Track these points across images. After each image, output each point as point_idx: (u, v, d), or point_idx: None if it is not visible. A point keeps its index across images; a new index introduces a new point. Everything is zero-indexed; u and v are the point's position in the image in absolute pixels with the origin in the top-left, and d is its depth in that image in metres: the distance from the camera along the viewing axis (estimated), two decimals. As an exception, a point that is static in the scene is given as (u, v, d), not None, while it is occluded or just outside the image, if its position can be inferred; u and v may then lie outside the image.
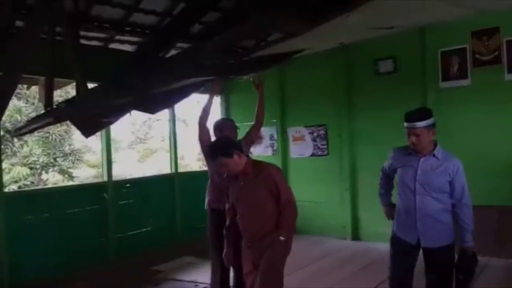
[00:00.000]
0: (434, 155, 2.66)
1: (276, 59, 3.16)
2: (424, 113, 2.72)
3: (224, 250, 2.88)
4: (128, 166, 13.69)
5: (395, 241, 2.81)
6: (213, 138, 3.60)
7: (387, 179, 3.04)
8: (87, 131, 4.19)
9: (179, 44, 5.31)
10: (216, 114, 7.47)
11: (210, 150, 2.85)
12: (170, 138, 6.44)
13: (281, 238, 2.58)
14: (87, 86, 3.55)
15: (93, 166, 11.70)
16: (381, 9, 2.48)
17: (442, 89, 5.09)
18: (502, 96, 4.62)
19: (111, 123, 4.19)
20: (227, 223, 2.88)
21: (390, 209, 3.02)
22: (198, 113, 3.64)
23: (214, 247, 3.44)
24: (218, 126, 3.68)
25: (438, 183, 2.62)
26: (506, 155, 4.61)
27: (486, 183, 4.69)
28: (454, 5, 3.05)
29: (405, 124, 2.67)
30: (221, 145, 2.78)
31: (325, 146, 6.23)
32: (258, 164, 2.75)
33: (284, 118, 6.67)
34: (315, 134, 6.33)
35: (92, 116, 3.89)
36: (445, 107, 5.04)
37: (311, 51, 4.81)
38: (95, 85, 4.36)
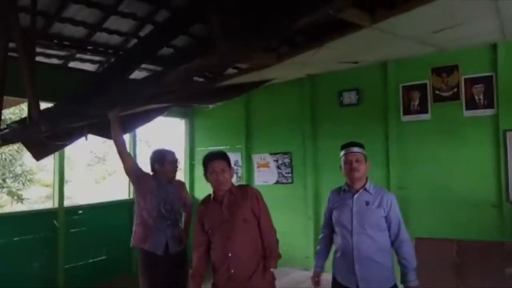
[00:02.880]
0: (366, 189, 2.65)
1: (241, 89, 3.09)
2: (360, 143, 2.76)
3: None
4: (84, 187, 13.10)
5: (336, 287, 2.71)
6: (146, 169, 3.37)
7: (328, 232, 2.86)
8: (39, 154, 3.93)
9: (144, 66, 5.19)
10: (180, 138, 7.31)
11: (217, 152, 2.71)
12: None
13: (272, 269, 2.54)
14: (39, 106, 3.32)
15: (47, 186, 11.08)
16: (348, 46, 2.49)
17: (404, 123, 5.21)
18: (461, 131, 4.77)
19: (64, 146, 3.95)
20: (194, 262, 2.67)
21: (319, 276, 2.87)
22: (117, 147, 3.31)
23: None
24: (157, 158, 3.36)
25: (374, 220, 2.59)
26: (464, 188, 4.72)
27: (445, 216, 4.80)
28: (418, 43, 3.13)
29: (343, 152, 2.70)
30: (223, 153, 2.73)
31: (290, 174, 6.19)
32: (240, 186, 2.74)
33: (249, 144, 6.60)
34: (280, 162, 6.29)
35: (45, 139, 3.65)
36: (406, 139, 5.18)
37: (278, 80, 4.82)
38: (50, 105, 4.13)
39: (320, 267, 2.87)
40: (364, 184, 2.67)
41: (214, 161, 2.61)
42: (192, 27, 2.97)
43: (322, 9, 1.54)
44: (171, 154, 3.38)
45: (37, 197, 11.12)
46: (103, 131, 3.28)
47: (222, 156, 2.67)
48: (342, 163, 2.71)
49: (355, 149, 2.67)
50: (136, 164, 3.37)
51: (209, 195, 2.71)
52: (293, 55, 2.40)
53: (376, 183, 2.76)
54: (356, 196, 2.65)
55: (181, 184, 3.52)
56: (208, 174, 2.63)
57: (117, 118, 3.18)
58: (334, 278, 2.73)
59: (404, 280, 2.59)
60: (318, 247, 2.91)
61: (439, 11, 2.18)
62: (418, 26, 2.49)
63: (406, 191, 5.12)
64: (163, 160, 3.29)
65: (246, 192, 2.63)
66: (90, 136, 3.72)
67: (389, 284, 2.58)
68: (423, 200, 5.00)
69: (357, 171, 2.61)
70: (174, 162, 3.36)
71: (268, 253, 2.58)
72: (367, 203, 2.61)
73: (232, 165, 2.74)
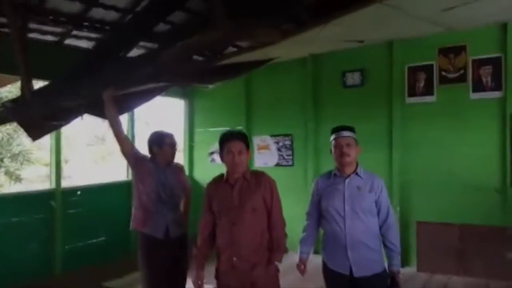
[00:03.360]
0: (357, 174, 2.62)
1: (243, 68, 2.96)
2: (351, 127, 2.69)
3: (195, 274, 2.54)
4: (83, 167, 13.03)
5: (329, 274, 2.64)
6: (144, 151, 3.24)
7: (316, 218, 2.78)
8: (34, 134, 3.82)
9: (141, 43, 5.04)
10: (180, 119, 7.19)
11: (235, 132, 2.58)
12: (128, 140, 6.05)
13: (277, 262, 2.45)
14: (31, 84, 3.19)
15: (46, 165, 10.98)
16: (355, 23, 2.35)
17: (408, 105, 5.09)
18: (467, 114, 4.66)
19: (61, 126, 3.84)
20: (198, 242, 2.59)
21: (305, 263, 2.75)
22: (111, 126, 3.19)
23: (147, 280, 3.12)
24: (155, 140, 3.20)
25: (366, 204, 2.56)
26: (468, 172, 4.65)
27: (448, 200, 4.74)
28: (427, 22, 2.99)
29: (333, 136, 2.64)
30: (243, 133, 2.60)
31: (291, 157, 6.10)
32: (255, 172, 2.60)
33: (249, 126, 6.48)
34: (280, 144, 6.19)
35: (40, 118, 3.54)
36: (410, 122, 5.07)
37: (280, 59, 4.67)
38: (45, 83, 4.01)
39: (306, 253, 2.78)
40: (355, 169, 2.63)
41: (232, 141, 2.47)
42: (189, 1, 2.81)
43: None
44: (170, 136, 3.23)
45: (36, 176, 11.06)
46: (100, 111, 3.15)
47: (240, 136, 2.53)
48: (332, 147, 2.66)
49: (346, 133, 2.62)
50: (133, 147, 3.25)
51: (222, 174, 2.58)
52: (298, 32, 2.27)
53: (366, 169, 2.69)
54: (347, 181, 2.61)
55: (180, 167, 3.41)
56: (224, 154, 2.49)
57: (111, 98, 3.05)
58: (324, 265, 2.67)
59: (389, 264, 2.58)
60: (303, 234, 2.81)
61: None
62: (429, 3, 2.35)
63: (409, 174, 5.04)
64: (161, 142, 3.16)
65: (261, 180, 2.51)
66: (88, 116, 3.61)
67: (381, 269, 2.56)
68: (425, 184, 4.93)
69: (348, 155, 2.57)
70: (172, 145, 3.22)
71: (275, 245, 2.49)
72: (359, 188, 2.58)
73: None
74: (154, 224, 3.09)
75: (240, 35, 2.09)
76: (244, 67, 3.00)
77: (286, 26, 2.42)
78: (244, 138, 2.52)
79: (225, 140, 2.51)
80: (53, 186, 5.04)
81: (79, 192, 5.30)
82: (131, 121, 6.13)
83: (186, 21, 2.92)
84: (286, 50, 3.10)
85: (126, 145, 3.17)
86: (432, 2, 2.32)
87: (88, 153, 14.28)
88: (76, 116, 3.48)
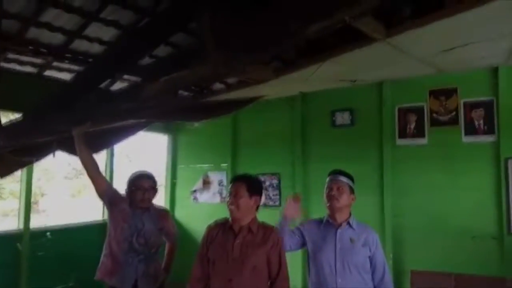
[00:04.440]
0: (349, 224, 2.46)
1: (231, 106, 2.79)
2: (349, 174, 2.58)
3: None
4: (60, 201, 12.52)
5: None
6: (121, 191, 2.95)
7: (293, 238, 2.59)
8: (3, 171, 3.53)
9: (124, 77, 4.87)
10: (162, 155, 6.94)
11: (241, 174, 2.37)
12: (105, 175, 5.68)
13: None
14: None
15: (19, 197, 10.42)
16: (352, 62, 2.22)
17: (399, 146, 4.96)
18: (460, 157, 4.55)
19: (31, 162, 3.55)
20: None
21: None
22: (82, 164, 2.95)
23: None
24: (132, 181, 2.91)
25: (359, 259, 2.37)
26: (463, 218, 4.48)
27: (443, 248, 4.53)
28: (422, 62, 2.90)
29: (329, 178, 2.55)
30: (250, 177, 2.37)
31: (278, 197, 5.86)
32: (263, 225, 2.35)
33: (235, 163, 6.25)
34: (267, 183, 5.96)
35: (9, 154, 3.26)
36: (402, 164, 4.93)
37: (269, 96, 4.53)
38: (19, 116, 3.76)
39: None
40: (347, 218, 2.48)
41: (233, 183, 2.32)
42: (174, 36, 2.66)
43: (338, 15, 1.28)
44: (148, 177, 2.94)
45: (9, 210, 10.49)
46: (74, 148, 2.89)
47: (244, 179, 2.33)
48: (324, 190, 2.55)
49: (341, 177, 2.51)
50: (109, 187, 2.97)
51: (226, 219, 2.36)
52: (293, 69, 2.11)
53: (359, 221, 2.53)
54: (339, 231, 2.44)
55: (163, 213, 3.09)
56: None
57: (82, 135, 2.79)
58: None
59: None
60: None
61: (460, 26, 1.93)
62: (430, 43, 2.24)
63: (401, 219, 4.84)
64: (138, 184, 2.87)
65: (269, 236, 2.27)
66: (61, 152, 3.35)
67: None
68: (419, 230, 4.72)
69: (336, 199, 2.45)
70: (151, 187, 2.91)
71: None
72: (352, 240, 2.42)
73: (261, 196, 2.36)
74: (122, 276, 2.75)
75: (230, 72, 1.92)
76: (233, 105, 2.83)
77: (278, 64, 2.28)
78: (247, 180, 2.30)
79: (231, 182, 2.37)
80: (21, 226, 4.64)
81: (49, 234, 4.88)
82: (110, 155, 5.82)
83: (171, 55, 2.76)
84: (277, 89, 2.95)
85: (101, 185, 2.89)
86: (433, 42, 2.21)
87: (65, 187, 13.78)
88: (47, 153, 3.21)
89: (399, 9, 1.90)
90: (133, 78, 4.95)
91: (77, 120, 2.70)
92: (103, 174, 3.46)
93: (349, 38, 1.78)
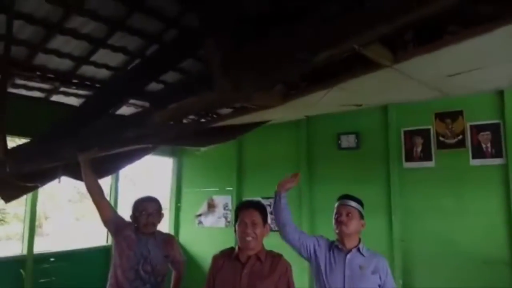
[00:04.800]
0: (359, 250, 2.39)
1: (237, 131, 2.78)
2: (359, 199, 2.53)
3: None
4: (64, 225, 12.46)
5: None
6: (126, 218, 2.88)
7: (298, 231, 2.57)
8: (7, 196, 3.52)
9: (132, 101, 4.90)
10: (167, 178, 6.91)
11: (252, 201, 2.34)
12: (110, 199, 5.66)
13: None
14: (5, 143, 2.93)
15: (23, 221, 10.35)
16: (359, 87, 2.23)
17: (406, 169, 4.93)
18: (468, 181, 4.50)
19: (36, 187, 3.54)
20: None
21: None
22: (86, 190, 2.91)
23: None
24: (136, 206, 2.84)
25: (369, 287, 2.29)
26: (472, 242, 4.39)
27: (453, 272, 4.43)
28: (428, 87, 2.90)
29: (338, 203, 2.50)
30: (261, 203, 2.35)
31: (284, 221, 5.78)
32: (271, 253, 2.28)
33: (240, 187, 6.22)
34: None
35: (13, 179, 3.25)
36: (409, 187, 4.88)
37: (275, 121, 4.54)
38: (26, 140, 3.78)
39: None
40: (357, 244, 2.43)
41: (246, 210, 2.23)
42: (184, 62, 2.69)
43: (347, 43, 1.28)
44: (153, 202, 2.87)
45: (14, 233, 10.42)
46: (78, 174, 2.88)
47: (257, 206, 2.29)
48: (333, 215, 2.51)
49: (351, 202, 2.47)
50: (115, 213, 2.92)
51: (232, 248, 2.31)
52: (300, 95, 2.12)
53: (369, 248, 2.47)
54: (348, 257, 2.39)
55: (169, 239, 3.01)
56: (237, 224, 2.24)
57: (88, 161, 2.77)
58: None
59: None
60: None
61: (467, 52, 1.93)
62: (437, 69, 2.25)
63: (409, 243, 4.76)
64: (142, 209, 2.80)
65: (277, 264, 2.20)
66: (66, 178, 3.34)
67: None
68: (427, 254, 4.63)
69: (345, 225, 2.39)
70: (155, 211, 2.84)
71: None
72: (361, 267, 2.35)
73: (267, 223, 2.31)
74: None
75: (237, 98, 1.93)
76: (239, 129, 2.82)
77: (282, 88, 2.29)
78: (261, 209, 2.27)
79: (240, 208, 2.29)
80: (25, 251, 4.60)
81: (53, 259, 4.82)
82: (115, 180, 5.82)
83: (179, 81, 2.78)
84: (283, 113, 2.96)
85: (106, 211, 2.85)
86: (440, 68, 2.21)
87: (70, 210, 13.74)
88: (53, 178, 3.20)
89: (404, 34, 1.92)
90: (139, 103, 5.01)
91: (84, 146, 2.70)
92: (108, 198, 3.42)
93: (356, 64, 1.80)
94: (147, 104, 4.50)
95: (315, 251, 2.49)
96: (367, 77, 1.86)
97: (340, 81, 1.86)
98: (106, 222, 2.85)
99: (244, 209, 2.26)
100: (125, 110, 5.16)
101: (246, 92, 1.77)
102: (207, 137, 2.70)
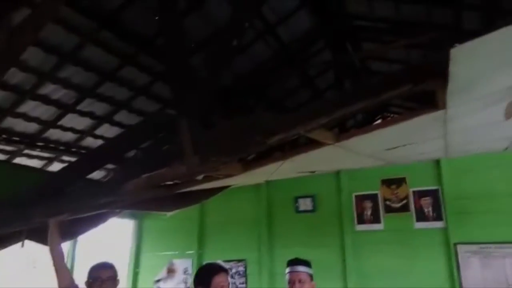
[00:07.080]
0: None
1: (201, 195, 3.00)
2: (306, 261, 2.74)
3: None
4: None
5: None
6: (82, 284, 2.80)
7: None
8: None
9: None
10: (127, 241, 6.81)
11: (221, 266, 2.37)
12: (67, 262, 5.47)
13: None
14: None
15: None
16: (309, 159, 2.57)
17: (358, 232, 5.23)
18: (413, 243, 4.84)
19: (-5, 252, 3.47)
20: None
21: None
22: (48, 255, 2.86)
23: None
24: (91, 274, 2.76)
25: None
26: (421, 303, 4.62)
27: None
28: (372, 158, 3.30)
29: (288, 269, 2.67)
30: (226, 268, 2.45)
31: (244, 285, 5.82)
32: None
33: (201, 250, 6.24)
34: (233, 270, 5.94)
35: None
36: (362, 250, 5.15)
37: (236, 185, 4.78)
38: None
39: None
40: None
41: (220, 274, 2.34)
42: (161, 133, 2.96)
43: (295, 129, 1.61)
44: (101, 268, 2.78)
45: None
46: (45, 237, 2.91)
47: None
48: (286, 281, 2.66)
49: (300, 267, 2.64)
50: (72, 282, 2.88)
51: None
52: (258, 166, 2.42)
53: None
54: None
55: None
56: None
57: (57, 225, 2.81)
58: None
59: None
60: None
61: (396, 133, 2.33)
62: (374, 145, 2.64)
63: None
64: (96, 277, 2.72)
65: None
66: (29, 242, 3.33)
67: None
68: (382, 315, 4.80)
69: None
70: (103, 279, 2.72)
71: None
72: None
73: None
74: None
75: (204, 170, 2.19)
76: (203, 194, 3.03)
77: (245, 162, 2.59)
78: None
79: (212, 274, 2.37)
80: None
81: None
82: (73, 242, 5.70)
83: (153, 149, 3.02)
84: (244, 179, 3.23)
85: (64, 279, 2.78)
86: (378, 144, 2.60)
87: (21, 281, 12.74)
88: (15, 242, 3.19)
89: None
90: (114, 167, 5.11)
91: (55, 211, 2.78)
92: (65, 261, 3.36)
93: (302, 142, 2.13)
94: (118, 169, 4.62)
95: None
96: (314, 152, 2.19)
97: (291, 156, 2.17)
98: None
99: (219, 273, 2.35)
100: (96, 173, 5.23)
101: (212, 166, 2.03)
102: (173, 202, 2.88)
